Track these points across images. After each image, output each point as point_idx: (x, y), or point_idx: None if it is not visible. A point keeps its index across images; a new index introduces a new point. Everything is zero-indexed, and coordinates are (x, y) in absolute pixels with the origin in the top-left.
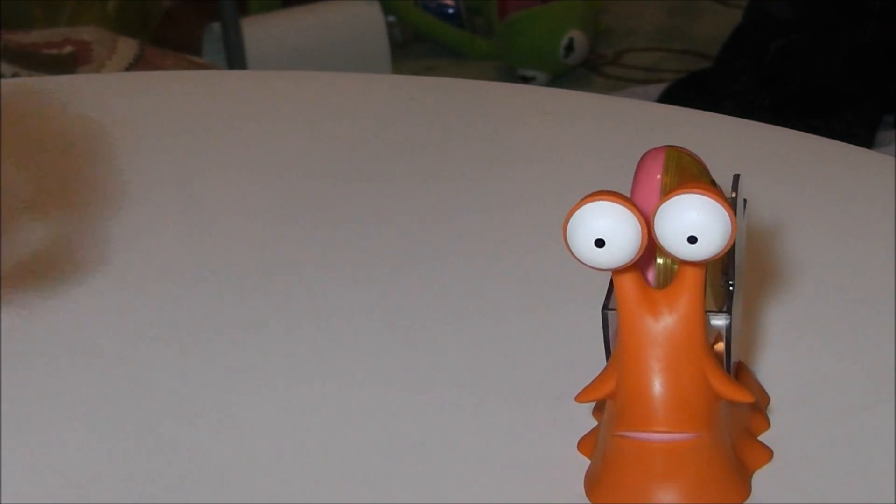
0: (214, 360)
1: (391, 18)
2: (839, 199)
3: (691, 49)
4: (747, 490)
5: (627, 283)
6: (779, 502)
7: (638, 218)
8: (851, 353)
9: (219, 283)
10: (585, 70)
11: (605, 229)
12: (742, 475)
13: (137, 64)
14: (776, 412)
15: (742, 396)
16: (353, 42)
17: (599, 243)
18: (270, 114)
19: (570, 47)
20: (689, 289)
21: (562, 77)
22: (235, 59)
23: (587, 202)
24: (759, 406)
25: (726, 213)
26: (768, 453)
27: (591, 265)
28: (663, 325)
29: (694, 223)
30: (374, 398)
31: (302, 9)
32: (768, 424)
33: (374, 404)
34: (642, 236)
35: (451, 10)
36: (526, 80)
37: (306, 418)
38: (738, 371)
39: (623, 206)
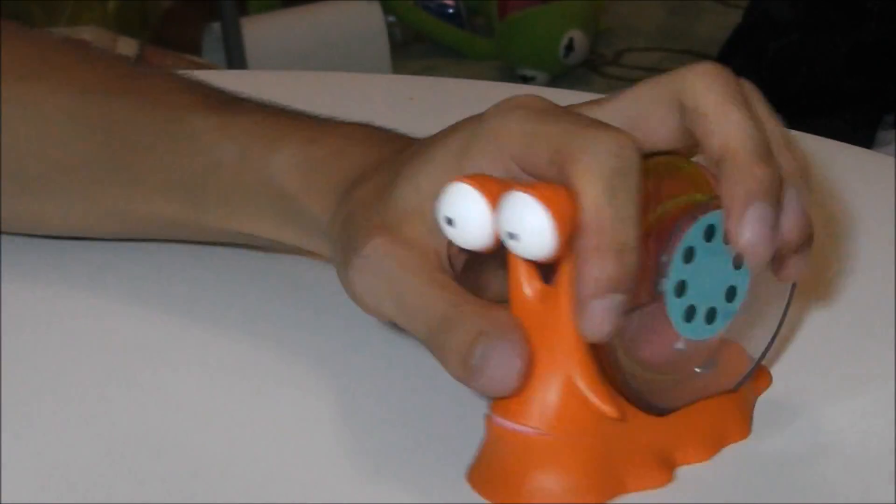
0: (214, 359)
1: (391, 18)
2: (839, 199)
3: (691, 49)
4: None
5: (520, 268)
6: (780, 502)
7: (488, 203)
8: (851, 353)
9: (219, 277)
10: (585, 70)
11: (452, 209)
12: (597, 488)
13: (137, 64)
14: (774, 412)
15: (604, 410)
16: (353, 42)
17: (449, 221)
18: None
19: (570, 47)
20: (565, 287)
21: (562, 77)
22: (235, 59)
23: (450, 182)
24: (743, 402)
25: (547, 216)
26: (659, 480)
27: (453, 242)
28: (542, 317)
29: (514, 221)
30: (364, 399)
31: (302, 9)
32: (747, 432)
33: (368, 405)
34: (493, 222)
35: (451, 10)
36: (526, 80)
37: (303, 416)
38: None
39: (475, 191)
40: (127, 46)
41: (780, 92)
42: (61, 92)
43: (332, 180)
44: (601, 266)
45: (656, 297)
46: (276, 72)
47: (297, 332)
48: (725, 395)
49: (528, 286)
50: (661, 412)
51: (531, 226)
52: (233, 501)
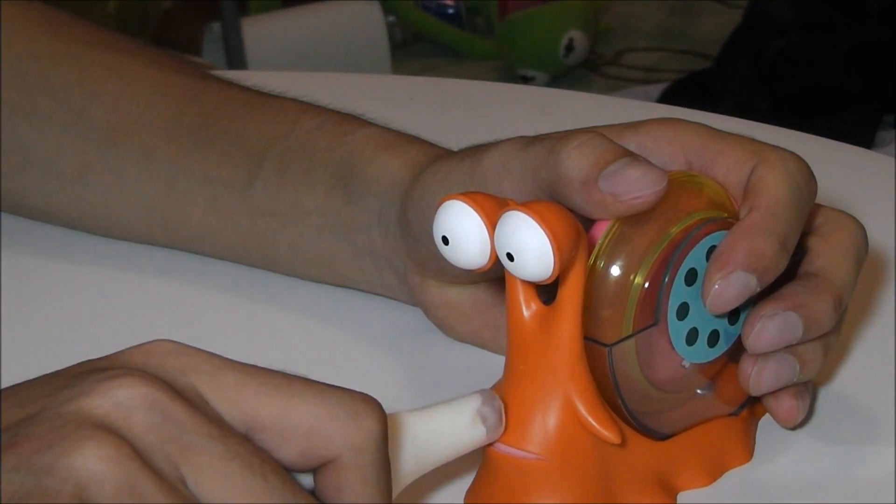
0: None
1: (391, 18)
2: (839, 199)
3: (691, 49)
4: None
5: (518, 289)
6: (784, 502)
7: (485, 223)
8: (851, 353)
9: (216, 272)
10: (585, 70)
11: (447, 227)
12: None
13: None
14: (776, 436)
15: (604, 435)
16: (353, 42)
17: (445, 240)
18: None
19: (570, 47)
20: (566, 311)
21: (562, 77)
22: (235, 59)
23: (444, 200)
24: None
25: (546, 237)
26: None
27: (448, 261)
28: (540, 340)
29: (512, 241)
30: None
31: (302, 9)
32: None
33: None
34: (490, 241)
35: (451, 10)
36: (526, 80)
37: None
38: None
39: (470, 208)
40: None
41: (780, 92)
42: (148, 67)
43: (408, 150)
44: (763, 243)
45: (659, 318)
46: (276, 72)
47: (297, 349)
48: (727, 420)
49: (526, 307)
50: (661, 436)
51: (530, 246)
52: None
